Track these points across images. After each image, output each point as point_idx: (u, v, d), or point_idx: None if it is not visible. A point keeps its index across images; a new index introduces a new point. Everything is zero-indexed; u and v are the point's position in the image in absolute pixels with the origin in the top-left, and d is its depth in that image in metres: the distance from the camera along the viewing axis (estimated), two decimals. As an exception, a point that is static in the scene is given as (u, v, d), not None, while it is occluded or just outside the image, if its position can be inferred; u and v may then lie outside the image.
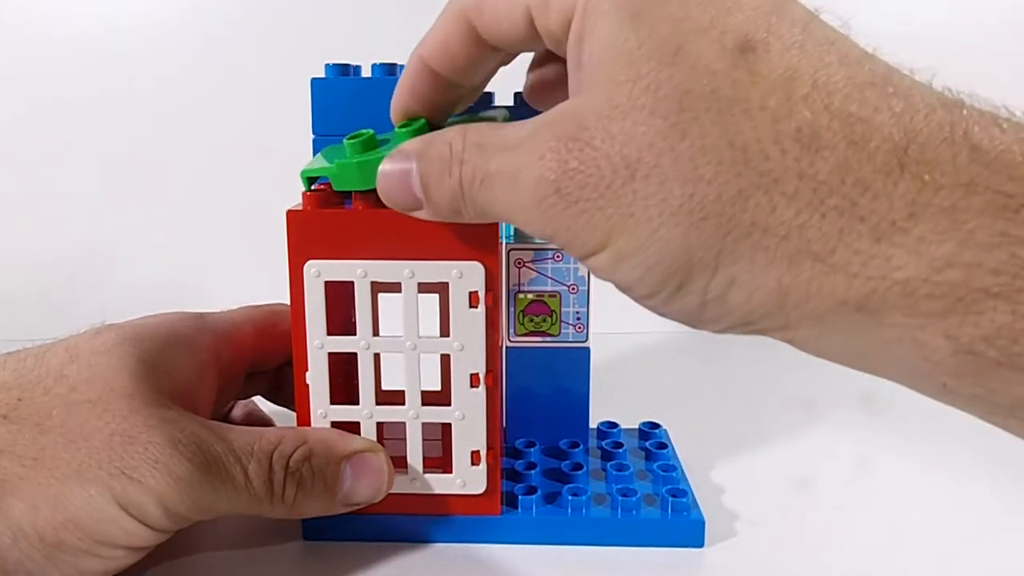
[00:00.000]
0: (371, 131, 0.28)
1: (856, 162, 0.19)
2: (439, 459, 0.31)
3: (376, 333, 0.30)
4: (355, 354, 0.29)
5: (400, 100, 0.28)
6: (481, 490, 0.30)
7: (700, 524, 0.31)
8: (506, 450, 0.36)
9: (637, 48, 0.21)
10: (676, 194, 0.20)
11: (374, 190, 0.26)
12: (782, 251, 0.20)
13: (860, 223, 0.19)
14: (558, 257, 0.35)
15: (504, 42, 0.26)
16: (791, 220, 0.20)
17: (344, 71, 0.32)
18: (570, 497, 0.31)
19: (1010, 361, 0.18)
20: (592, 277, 0.35)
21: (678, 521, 0.31)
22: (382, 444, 0.30)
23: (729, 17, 0.21)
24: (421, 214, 0.26)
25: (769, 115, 0.20)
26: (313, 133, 0.33)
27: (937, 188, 0.19)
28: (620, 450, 0.36)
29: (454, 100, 0.29)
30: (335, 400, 0.30)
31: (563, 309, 0.36)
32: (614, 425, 0.39)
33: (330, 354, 0.29)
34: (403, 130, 0.27)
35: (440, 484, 0.30)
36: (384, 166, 0.26)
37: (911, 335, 0.19)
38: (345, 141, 0.28)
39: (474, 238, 0.28)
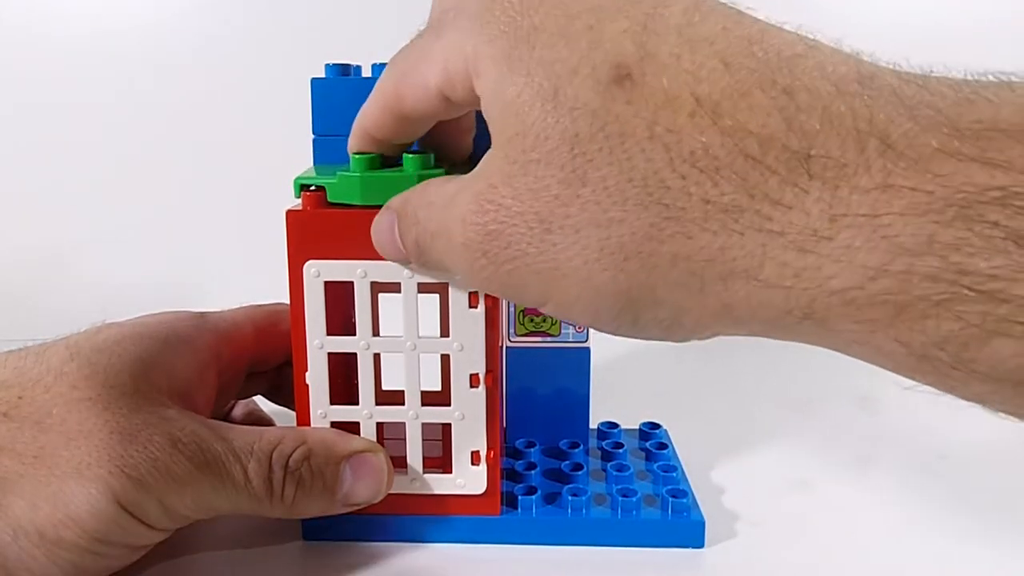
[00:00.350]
0: (378, 154, 0.28)
1: (759, 177, 0.18)
2: (439, 459, 0.31)
3: (376, 333, 0.30)
4: (355, 354, 0.29)
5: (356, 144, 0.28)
6: (481, 490, 0.30)
7: (700, 524, 0.31)
8: (506, 450, 0.36)
9: (517, 98, 0.21)
10: (593, 240, 0.20)
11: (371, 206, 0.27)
12: (711, 274, 0.19)
13: (780, 237, 0.18)
14: (558, 257, 0.35)
15: (432, 118, 0.26)
16: (710, 244, 0.19)
17: (344, 71, 0.32)
18: (570, 497, 0.31)
19: (963, 365, 0.18)
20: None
21: (678, 521, 0.31)
22: (382, 444, 0.30)
23: (597, 50, 0.20)
24: (412, 267, 0.27)
25: (659, 144, 0.19)
26: (313, 133, 0.33)
27: (851, 191, 0.18)
28: (620, 450, 0.36)
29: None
30: (335, 400, 0.30)
31: (563, 309, 0.36)
32: (614, 425, 0.39)
33: (330, 354, 0.29)
34: (410, 156, 0.28)
35: (440, 484, 0.30)
36: (376, 221, 0.27)
37: (864, 339, 0.19)
38: (352, 155, 0.28)
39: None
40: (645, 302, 0.21)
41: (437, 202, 0.24)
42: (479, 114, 0.24)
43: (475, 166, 0.23)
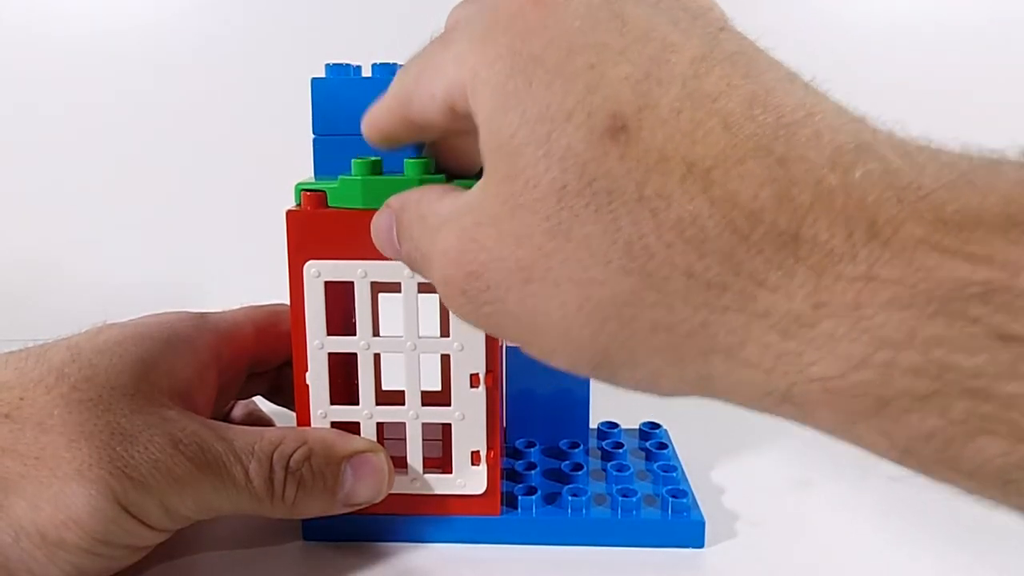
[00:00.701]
0: (380, 158, 0.28)
1: (744, 255, 0.18)
2: (439, 459, 0.31)
3: (376, 333, 0.30)
4: (355, 354, 0.29)
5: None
6: (481, 490, 0.30)
7: (700, 524, 0.31)
8: (506, 450, 0.36)
9: (510, 139, 0.20)
10: (573, 296, 0.20)
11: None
12: (691, 348, 0.19)
13: (763, 319, 0.18)
14: (558, 257, 0.35)
15: (438, 127, 0.25)
16: (691, 318, 0.18)
17: (344, 71, 0.32)
18: (570, 497, 0.31)
19: (948, 461, 0.17)
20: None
21: (678, 521, 0.31)
22: (382, 444, 0.30)
23: (595, 95, 0.19)
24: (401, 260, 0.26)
25: (647, 207, 0.18)
26: (313, 133, 0.33)
27: (836, 278, 0.17)
28: (620, 450, 0.36)
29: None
30: (335, 400, 0.30)
31: (563, 309, 0.36)
32: (614, 425, 0.39)
33: (330, 354, 0.29)
34: (411, 161, 0.28)
35: (440, 484, 0.30)
36: (375, 218, 0.26)
37: (845, 428, 0.18)
38: (353, 160, 0.28)
39: (474, 238, 0.28)
40: (623, 362, 0.20)
41: (429, 220, 0.23)
42: None
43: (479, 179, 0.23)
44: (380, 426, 0.30)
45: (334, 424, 0.30)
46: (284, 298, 0.30)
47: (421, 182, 0.28)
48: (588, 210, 0.19)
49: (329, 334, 0.29)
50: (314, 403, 0.30)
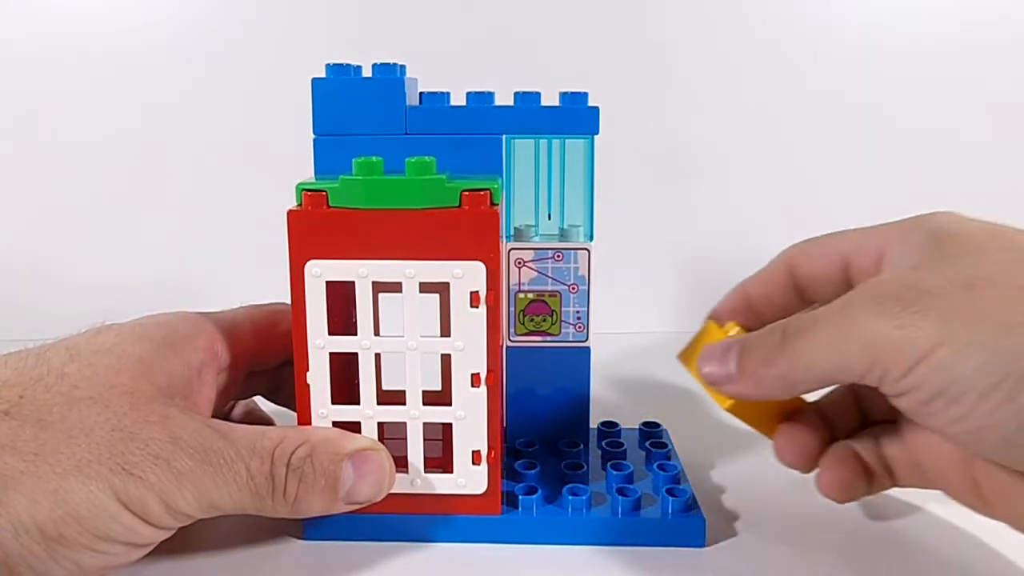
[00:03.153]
0: (381, 158, 0.28)
1: None
2: (439, 459, 0.31)
3: (377, 333, 0.30)
4: (355, 354, 0.29)
5: (724, 308, 0.33)
6: (482, 490, 0.30)
7: (700, 524, 0.31)
8: (506, 450, 0.36)
9: (962, 240, 0.26)
10: (1010, 292, 0.23)
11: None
12: None
13: None
14: (558, 257, 0.35)
15: (815, 284, 0.31)
16: None
17: (344, 71, 0.32)
18: (570, 497, 0.31)
19: None
20: (592, 276, 0.35)
21: (678, 521, 0.31)
22: (382, 444, 0.30)
23: (1013, 235, 0.26)
24: (730, 388, 0.29)
25: None
26: (313, 133, 0.33)
27: None
28: (620, 450, 0.36)
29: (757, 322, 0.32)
30: (336, 400, 0.30)
31: (563, 309, 0.36)
32: (614, 425, 0.39)
33: (331, 354, 0.29)
34: (412, 161, 0.28)
35: (441, 484, 0.30)
36: (704, 354, 0.29)
37: None
38: (353, 160, 0.28)
39: (475, 238, 0.28)
40: None
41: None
42: None
43: None
44: (381, 426, 0.30)
45: (335, 423, 0.30)
46: (285, 298, 0.30)
47: (423, 182, 0.28)
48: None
49: (330, 334, 0.29)
50: (315, 402, 0.30)
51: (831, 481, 0.30)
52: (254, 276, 0.43)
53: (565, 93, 0.34)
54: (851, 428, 0.33)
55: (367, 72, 0.33)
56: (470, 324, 0.29)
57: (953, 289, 0.23)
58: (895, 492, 0.35)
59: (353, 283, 0.29)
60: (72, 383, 0.26)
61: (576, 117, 0.33)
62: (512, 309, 0.36)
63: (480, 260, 0.28)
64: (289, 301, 0.29)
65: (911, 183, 0.62)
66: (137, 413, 0.26)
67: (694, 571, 0.30)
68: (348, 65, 0.33)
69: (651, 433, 0.38)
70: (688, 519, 0.31)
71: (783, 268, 0.32)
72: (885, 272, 0.28)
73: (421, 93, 0.35)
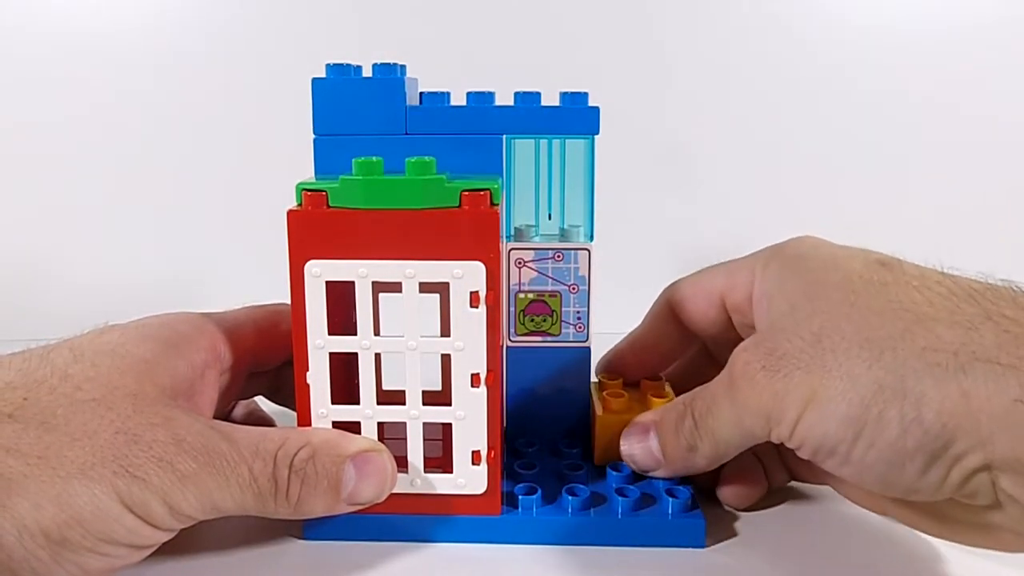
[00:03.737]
0: (381, 158, 0.29)
1: (992, 304, 0.25)
2: (439, 459, 0.31)
3: (377, 333, 0.30)
4: (355, 354, 0.29)
5: (616, 358, 0.38)
6: (482, 490, 0.30)
7: (700, 524, 0.31)
8: (506, 450, 0.36)
9: (808, 271, 0.29)
10: (855, 343, 0.25)
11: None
12: (954, 364, 0.24)
13: (1013, 337, 0.24)
14: (559, 257, 0.35)
15: (697, 324, 0.34)
16: (955, 340, 0.24)
17: (344, 71, 0.32)
18: (570, 497, 0.31)
19: None
20: (592, 276, 0.35)
21: (678, 521, 0.31)
22: (382, 444, 0.30)
23: (867, 252, 0.29)
24: (660, 472, 0.32)
25: (919, 289, 0.26)
26: (314, 133, 0.33)
27: None
28: (620, 450, 0.36)
29: (653, 367, 0.38)
30: (336, 400, 0.30)
31: (563, 309, 0.36)
32: (614, 425, 0.39)
33: (331, 354, 0.29)
34: (412, 160, 0.28)
35: (441, 484, 0.30)
36: (626, 447, 0.33)
37: None
38: (353, 160, 0.28)
39: (475, 238, 0.28)
40: (894, 392, 0.24)
41: (712, 381, 0.30)
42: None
43: None
44: (381, 426, 0.30)
45: (335, 424, 0.30)
46: (285, 298, 0.30)
47: (423, 183, 0.28)
48: (868, 292, 0.27)
49: (330, 334, 0.29)
50: (315, 403, 0.30)
51: (736, 494, 0.33)
52: (254, 276, 0.43)
53: (565, 93, 0.34)
54: None
55: (367, 72, 0.33)
56: (470, 324, 0.29)
57: (805, 346, 0.26)
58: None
59: (353, 283, 0.29)
60: (76, 384, 0.26)
61: (576, 117, 0.33)
62: (512, 309, 0.36)
63: (480, 260, 0.28)
64: (289, 301, 0.29)
65: (912, 183, 0.62)
66: (141, 415, 0.26)
67: (694, 571, 0.30)
68: (348, 65, 0.33)
69: (651, 433, 0.38)
70: (688, 519, 0.31)
71: (665, 312, 0.35)
72: (755, 320, 0.31)
73: (421, 93, 0.35)
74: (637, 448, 0.32)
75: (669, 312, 0.35)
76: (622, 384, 0.37)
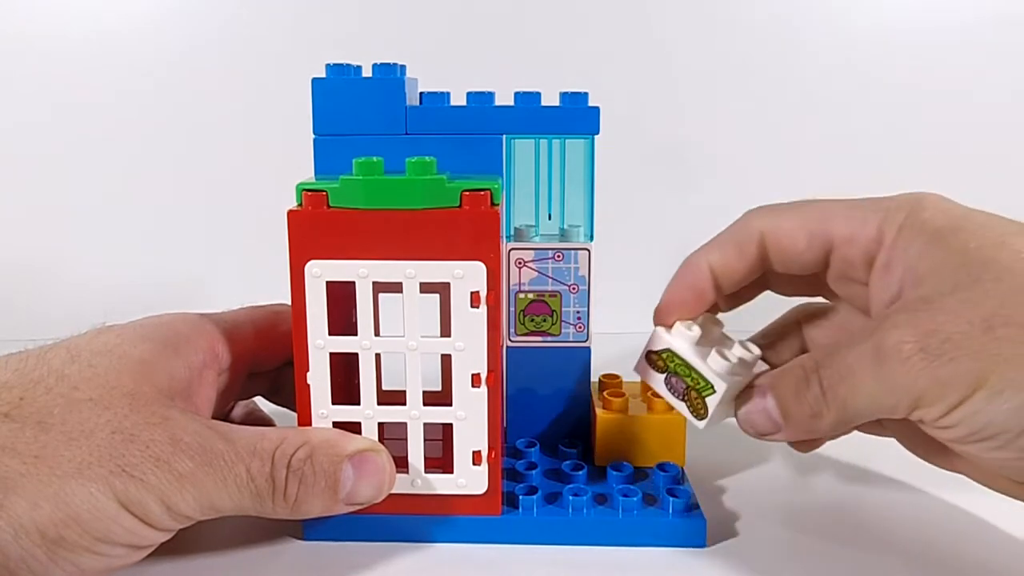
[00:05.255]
0: (381, 158, 0.28)
1: None
2: (440, 459, 0.31)
3: (377, 333, 0.30)
4: (355, 354, 0.29)
5: (677, 295, 0.32)
6: (482, 490, 0.30)
7: (701, 524, 0.31)
8: (506, 450, 0.36)
9: (967, 245, 0.26)
10: None
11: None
12: None
13: None
14: (558, 257, 0.35)
15: (790, 264, 0.31)
16: None
17: (344, 71, 0.32)
18: (571, 497, 0.31)
19: None
20: (592, 276, 0.35)
21: (679, 521, 0.31)
22: (383, 444, 0.30)
23: (1017, 238, 0.26)
24: (780, 436, 0.29)
25: None
26: (314, 133, 0.33)
27: None
28: (620, 450, 0.36)
29: (709, 296, 0.32)
30: (336, 400, 0.30)
31: (563, 309, 0.36)
32: (614, 425, 0.39)
33: (331, 354, 0.29)
34: (413, 160, 0.28)
35: (441, 484, 0.30)
36: (743, 409, 0.30)
37: None
38: (354, 160, 0.28)
39: (476, 238, 0.28)
40: None
41: (844, 344, 0.27)
42: None
43: None
44: (381, 426, 0.30)
45: (335, 424, 0.30)
46: (285, 298, 0.30)
47: (424, 183, 0.28)
48: None
49: (330, 334, 0.29)
50: (315, 403, 0.30)
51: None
52: (254, 276, 0.43)
53: (565, 93, 0.34)
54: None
55: (367, 72, 0.33)
56: (471, 324, 0.29)
57: (974, 332, 0.24)
58: (896, 493, 0.35)
59: (353, 283, 0.29)
60: (73, 384, 0.26)
61: (576, 117, 0.33)
62: (512, 309, 0.36)
63: (480, 260, 0.28)
64: (289, 301, 0.29)
65: (913, 183, 0.62)
66: (138, 415, 0.26)
67: (694, 571, 0.30)
68: (348, 65, 0.33)
69: (651, 433, 0.38)
70: (689, 519, 0.31)
71: (754, 242, 0.31)
72: (878, 286, 0.29)
73: (421, 93, 0.35)
74: (755, 412, 0.29)
75: (756, 236, 0.31)
76: (622, 383, 0.37)
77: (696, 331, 0.31)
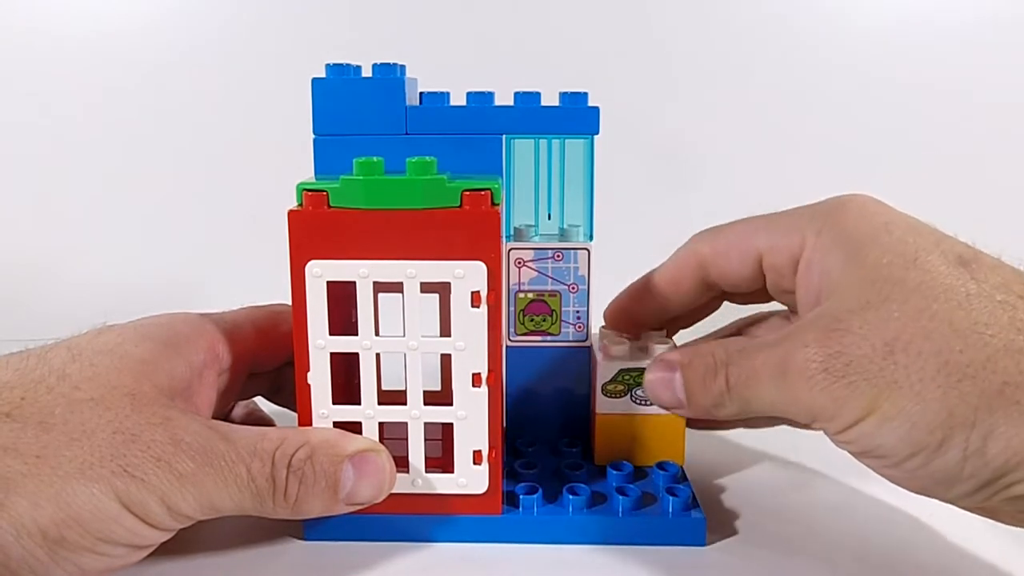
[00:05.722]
0: (382, 158, 0.29)
1: None
2: (440, 459, 0.31)
3: (377, 333, 0.30)
4: (355, 354, 0.29)
5: (623, 305, 0.36)
6: (483, 490, 0.30)
7: (701, 523, 0.31)
8: (506, 450, 0.36)
9: (880, 260, 0.26)
10: (932, 364, 0.24)
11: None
12: None
13: None
14: (558, 257, 0.35)
15: (733, 282, 0.33)
16: None
17: (344, 71, 0.32)
18: (571, 497, 0.31)
19: None
20: (592, 276, 0.35)
21: (679, 520, 0.31)
22: (383, 444, 0.30)
23: (943, 242, 0.27)
24: (681, 412, 0.31)
25: (1005, 307, 0.25)
26: (314, 133, 0.33)
27: None
28: (620, 449, 0.36)
29: (661, 317, 0.36)
30: (336, 400, 0.30)
31: (563, 308, 0.36)
32: (614, 425, 0.39)
33: (331, 354, 0.29)
34: (413, 160, 0.28)
35: (441, 484, 0.30)
36: (650, 375, 0.31)
37: None
38: (354, 160, 0.28)
39: (476, 237, 0.28)
40: (963, 423, 0.24)
41: (756, 346, 0.28)
42: None
43: None
44: (381, 426, 0.30)
45: (336, 424, 0.30)
46: (285, 298, 0.30)
47: (424, 183, 0.28)
48: (950, 304, 0.25)
49: (331, 334, 0.29)
50: (316, 403, 0.30)
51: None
52: (254, 276, 0.43)
53: (565, 93, 0.34)
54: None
55: (367, 72, 0.33)
56: (471, 324, 0.29)
57: (875, 356, 0.25)
58: (896, 493, 0.35)
59: (353, 283, 0.29)
60: (74, 384, 0.26)
61: (576, 117, 0.33)
62: (512, 309, 0.36)
63: (481, 260, 0.28)
64: (289, 301, 0.29)
65: (913, 183, 0.62)
66: (139, 415, 0.26)
67: (694, 570, 0.30)
68: (348, 65, 0.33)
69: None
70: (688, 518, 0.31)
71: (691, 262, 0.34)
72: (800, 292, 0.30)
73: (421, 93, 0.35)
74: (660, 384, 0.31)
75: (695, 262, 0.33)
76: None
77: (624, 341, 0.35)
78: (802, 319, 0.28)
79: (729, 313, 0.37)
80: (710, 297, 0.35)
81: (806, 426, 0.28)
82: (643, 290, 0.35)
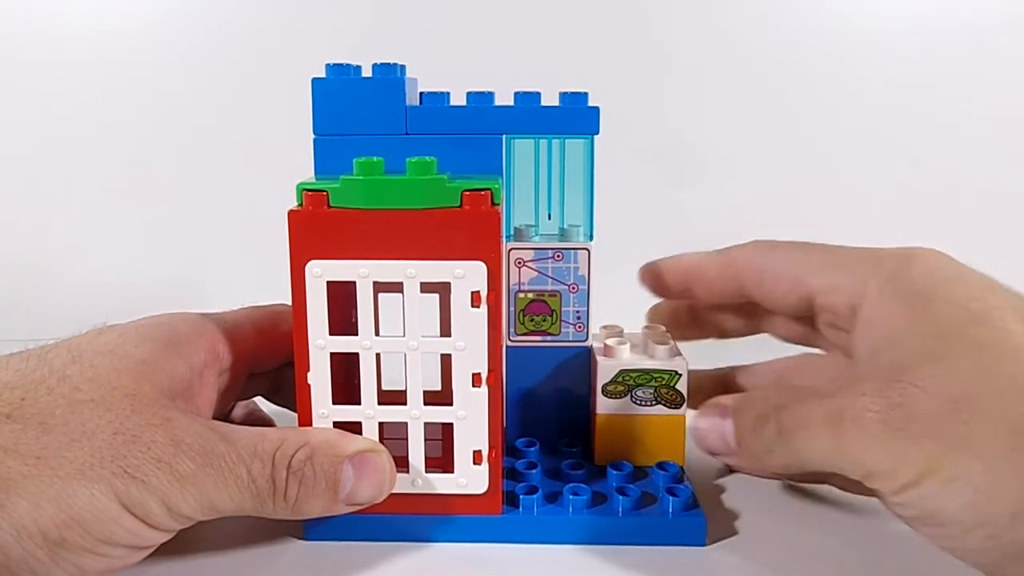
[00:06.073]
0: (382, 158, 0.29)
1: None
2: (440, 459, 0.31)
3: (377, 333, 0.30)
4: (355, 354, 0.29)
5: (666, 266, 0.36)
6: (483, 490, 0.30)
7: (701, 523, 0.31)
8: (506, 450, 0.36)
9: (948, 314, 0.25)
10: (1001, 428, 0.23)
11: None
12: None
13: None
14: (558, 257, 0.35)
15: (769, 303, 0.33)
16: None
17: (344, 71, 0.32)
18: (571, 497, 0.31)
19: None
20: (592, 276, 0.35)
21: (679, 520, 0.31)
22: (383, 444, 0.30)
23: (1015, 300, 0.25)
24: (731, 460, 0.32)
25: None
26: (314, 133, 0.33)
27: None
28: (620, 450, 0.36)
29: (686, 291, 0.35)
30: (336, 400, 0.30)
31: (563, 308, 0.36)
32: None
33: (331, 354, 0.29)
34: (413, 161, 0.28)
35: (441, 484, 0.30)
36: (701, 422, 0.31)
37: None
38: (354, 160, 0.28)
39: (476, 237, 0.28)
40: None
41: (810, 395, 0.27)
42: None
43: None
44: (381, 426, 0.30)
45: (336, 424, 0.30)
46: (285, 298, 0.30)
47: (424, 183, 0.28)
48: (1017, 364, 0.24)
49: (331, 334, 0.29)
50: (316, 403, 0.30)
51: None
52: (254, 276, 0.43)
53: (565, 93, 0.34)
54: None
55: (367, 72, 0.33)
56: (471, 324, 0.29)
57: (940, 412, 0.24)
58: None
59: (353, 283, 0.29)
60: (74, 385, 0.26)
61: (576, 117, 0.33)
62: (512, 309, 0.36)
63: (481, 260, 0.28)
64: (290, 301, 0.29)
65: (914, 184, 0.62)
66: (139, 416, 0.26)
67: (694, 570, 0.30)
68: (348, 65, 0.33)
69: (651, 432, 0.38)
70: (689, 518, 0.31)
71: (737, 280, 0.33)
72: (858, 340, 0.29)
73: (421, 93, 0.35)
74: (712, 431, 0.30)
75: (741, 281, 0.33)
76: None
77: (625, 342, 0.35)
78: (860, 369, 0.27)
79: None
80: (747, 307, 0.35)
81: (859, 486, 0.27)
82: (688, 263, 0.35)
